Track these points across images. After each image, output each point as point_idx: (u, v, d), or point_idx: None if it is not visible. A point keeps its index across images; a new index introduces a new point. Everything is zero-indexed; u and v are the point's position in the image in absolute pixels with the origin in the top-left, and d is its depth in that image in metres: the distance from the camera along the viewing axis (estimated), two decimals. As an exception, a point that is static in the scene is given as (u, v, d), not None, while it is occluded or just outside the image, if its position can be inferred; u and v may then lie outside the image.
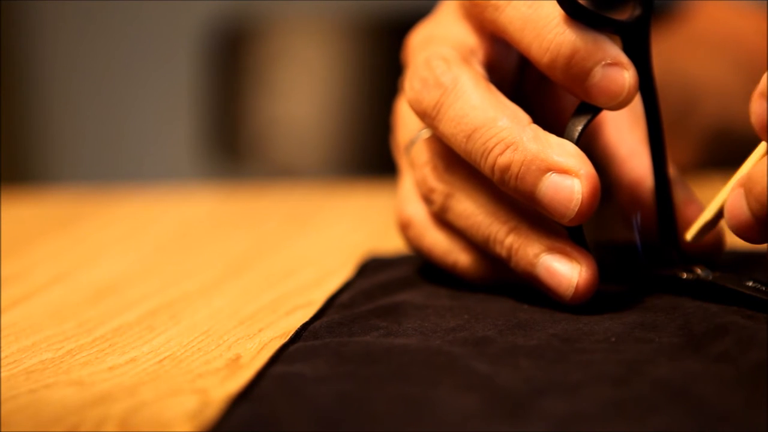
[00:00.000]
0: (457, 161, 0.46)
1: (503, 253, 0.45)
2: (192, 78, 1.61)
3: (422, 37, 0.48)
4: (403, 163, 0.51)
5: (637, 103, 0.47)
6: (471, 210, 0.46)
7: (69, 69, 1.86)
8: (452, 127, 0.44)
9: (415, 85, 0.46)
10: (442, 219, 0.47)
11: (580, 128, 0.43)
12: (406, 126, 0.50)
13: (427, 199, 0.47)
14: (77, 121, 1.88)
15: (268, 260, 0.59)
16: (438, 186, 0.47)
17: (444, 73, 0.45)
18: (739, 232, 0.42)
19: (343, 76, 1.33)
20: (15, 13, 1.85)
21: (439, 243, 0.48)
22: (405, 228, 0.49)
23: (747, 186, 0.41)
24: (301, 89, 1.34)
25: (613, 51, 0.43)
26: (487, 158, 0.43)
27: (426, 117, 0.45)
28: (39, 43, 1.86)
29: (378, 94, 1.31)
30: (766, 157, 0.41)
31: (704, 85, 0.70)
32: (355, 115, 1.33)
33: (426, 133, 0.48)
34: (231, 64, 1.38)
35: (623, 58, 0.43)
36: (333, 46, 1.34)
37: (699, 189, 0.48)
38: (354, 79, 1.33)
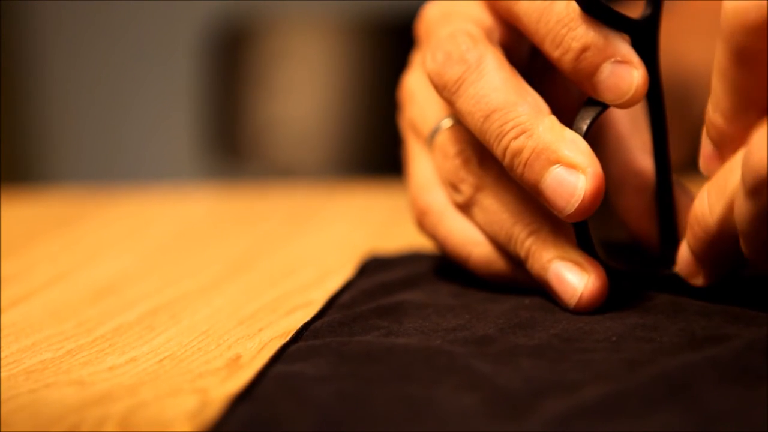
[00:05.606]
0: (488, 156, 0.46)
1: (522, 253, 0.45)
2: (192, 78, 1.61)
3: (441, 12, 0.48)
4: (411, 143, 0.50)
5: (638, 109, 0.47)
6: (497, 207, 0.46)
7: (69, 69, 1.86)
8: (471, 105, 0.44)
9: (438, 57, 0.45)
10: (466, 211, 0.47)
11: (588, 122, 0.43)
12: (418, 104, 0.49)
13: (456, 188, 0.47)
14: (77, 121, 1.88)
15: (268, 260, 0.59)
16: (469, 178, 0.46)
17: (470, 50, 0.45)
18: (686, 275, 0.44)
19: (343, 75, 1.33)
20: (15, 13, 1.85)
21: (455, 233, 0.47)
22: (422, 215, 0.48)
23: (688, 225, 0.42)
24: (301, 89, 1.34)
25: (625, 49, 0.43)
26: (501, 140, 0.43)
27: (445, 91, 0.45)
28: (39, 43, 1.86)
29: (378, 94, 1.31)
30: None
31: (700, 73, 0.69)
32: (355, 115, 1.33)
33: (448, 122, 0.47)
34: (231, 63, 1.38)
35: (634, 57, 0.43)
36: (333, 46, 1.34)
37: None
38: (354, 78, 1.33)
